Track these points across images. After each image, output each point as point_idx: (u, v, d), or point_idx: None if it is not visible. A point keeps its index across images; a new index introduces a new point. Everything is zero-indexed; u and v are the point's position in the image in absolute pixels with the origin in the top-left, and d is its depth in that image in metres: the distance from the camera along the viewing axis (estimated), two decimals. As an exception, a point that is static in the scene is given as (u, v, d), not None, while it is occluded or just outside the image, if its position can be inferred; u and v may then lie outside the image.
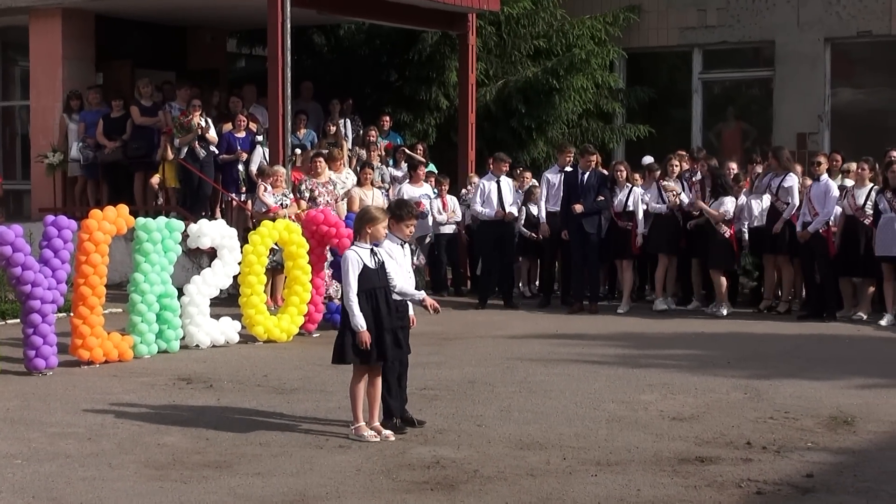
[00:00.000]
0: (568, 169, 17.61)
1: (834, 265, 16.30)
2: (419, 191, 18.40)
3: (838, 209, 16.25)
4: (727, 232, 16.70)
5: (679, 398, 10.86)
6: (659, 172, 17.74)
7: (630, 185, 17.36)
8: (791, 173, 16.88)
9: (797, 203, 16.52)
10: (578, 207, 17.03)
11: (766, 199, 16.92)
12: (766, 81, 23.45)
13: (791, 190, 16.65)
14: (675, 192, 17.18)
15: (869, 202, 16.06)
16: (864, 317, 16.07)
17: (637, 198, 17.28)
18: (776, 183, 16.84)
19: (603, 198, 17.21)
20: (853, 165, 16.91)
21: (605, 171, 17.79)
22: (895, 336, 15.03)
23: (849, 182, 16.66)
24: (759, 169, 17.52)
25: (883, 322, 15.74)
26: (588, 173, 17.29)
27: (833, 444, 9.13)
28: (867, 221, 15.99)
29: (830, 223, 16.22)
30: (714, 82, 24.17)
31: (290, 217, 15.94)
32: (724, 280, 16.88)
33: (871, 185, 16.17)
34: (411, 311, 9.77)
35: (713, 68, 23.98)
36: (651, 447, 8.98)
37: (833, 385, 11.46)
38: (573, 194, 17.26)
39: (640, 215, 17.26)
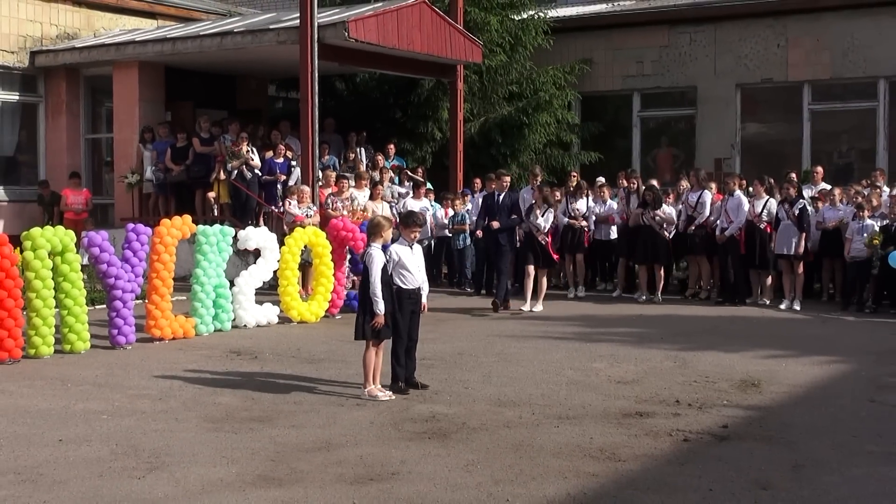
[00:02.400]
0: (528, 190, 17.15)
1: (742, 261, 16.35)
2: (419, 204, 18.37)
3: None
4: (667, 235, 16.73)
5: (623, 366, 10.86)
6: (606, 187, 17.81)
7: (547, 206, 15.81)
8: (706, 190, 16.94)
9: (707, 213, 16.59)
10: (495, 224, 15.55)
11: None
12: (690, 118, 23.43)
13: (704, 204, 16.70)
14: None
15: (765, 211, 16.12)
16: (767, 302, 16.10)
17: (550, 217, 15.80)
18: (694, 198, 16.88)
19: (516, 216, 15.71)
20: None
21: (547, 190, 16.67)
22: (792, 317, 15.07)
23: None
24: (685, 184, 17.47)
25: (782, 306, 15.77)
26: (503, 195, 15.77)
27: (743, 401, 9.14)
28: (762, 226, 16.05)
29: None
30: (649, 118, 24.12)
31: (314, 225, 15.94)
32: (662, 273, 16.93)
33: (767, 197, 16.24)
34: (424, 299, 9.76)
35: (649, 108, 23.95)
36: (601, 405, 8.97)
37: (743, 356, 11.47)
38: (490, 213, 15.85)
39: (545, 228, 15.64)
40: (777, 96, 22.74)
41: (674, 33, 23.22)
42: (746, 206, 16.18)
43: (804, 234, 15.77)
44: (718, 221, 16.45)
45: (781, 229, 15.91)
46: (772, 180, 16.63)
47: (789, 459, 7.25)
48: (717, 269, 16.96)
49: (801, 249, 15.78)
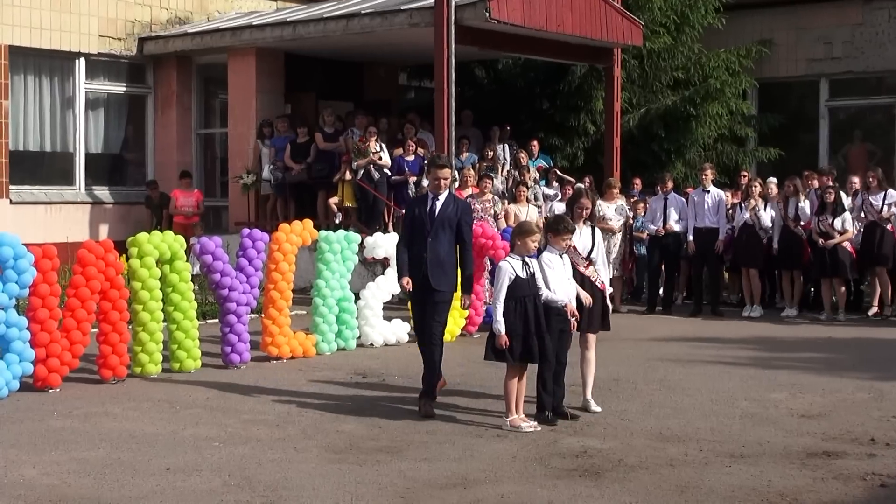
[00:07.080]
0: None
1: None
2: (569, 206, 18.26)
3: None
4: (848, 245, 16.38)
5: (807, 397, 10.63)
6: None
7: (591, 224, 10.37)
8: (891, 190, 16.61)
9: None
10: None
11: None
12: (888, 108, 22.94)
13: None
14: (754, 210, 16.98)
15: None
16: None
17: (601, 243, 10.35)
18: (879, 200, 16.51)
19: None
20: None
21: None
22: None
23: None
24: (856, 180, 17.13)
25: None
26: (441, 199, 10.21)
27: (953, 442, 8.85)
28: None
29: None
30: (839, 109, 23.68)
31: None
32: (843, 289, 16.57)
33: None
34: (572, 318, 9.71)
35: (839, 96, 23.52)
36: (781, 442, 8.80)
37: (952, 387, 11.11)
38: (415, 231, 10.26)
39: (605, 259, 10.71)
40: None
41: (869, 9, 22.74)
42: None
43: None
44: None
45: None
46: None
47: None
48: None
49: None
